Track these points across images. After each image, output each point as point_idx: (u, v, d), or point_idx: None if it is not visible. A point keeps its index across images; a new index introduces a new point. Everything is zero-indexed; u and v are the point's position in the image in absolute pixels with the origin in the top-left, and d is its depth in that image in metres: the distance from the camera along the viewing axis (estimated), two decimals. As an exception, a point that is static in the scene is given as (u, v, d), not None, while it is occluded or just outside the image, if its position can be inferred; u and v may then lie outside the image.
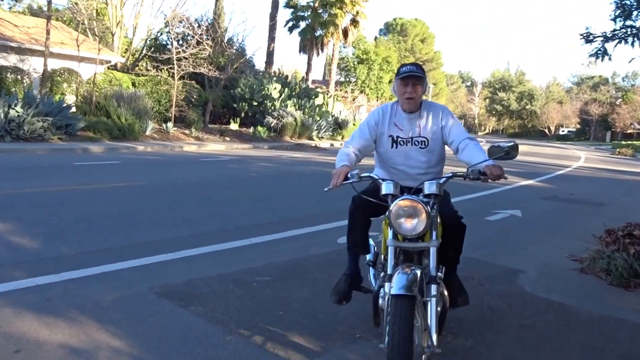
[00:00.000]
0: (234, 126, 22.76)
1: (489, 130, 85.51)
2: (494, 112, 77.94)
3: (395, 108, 3.01)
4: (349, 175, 2.66)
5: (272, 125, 22.58)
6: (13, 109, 12.99)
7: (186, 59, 19.27)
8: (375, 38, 59.06)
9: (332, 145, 23.23)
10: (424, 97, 2.98)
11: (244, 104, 23.80)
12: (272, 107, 23.49)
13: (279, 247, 4.99)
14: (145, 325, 3.03)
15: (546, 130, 68.17)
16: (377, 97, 40.41)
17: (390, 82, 41.14)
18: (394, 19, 64.61)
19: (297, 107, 24.59)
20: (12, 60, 17.30)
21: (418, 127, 2.94)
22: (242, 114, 23.82)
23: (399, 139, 2.95)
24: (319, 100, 27.43)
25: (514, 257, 5.19)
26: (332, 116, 27.41)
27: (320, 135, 24.98)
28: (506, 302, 3.88)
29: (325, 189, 2.70)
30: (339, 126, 27.40)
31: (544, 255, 5.37)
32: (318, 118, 25.18)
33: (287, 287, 3.85)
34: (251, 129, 22.26)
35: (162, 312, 3.23)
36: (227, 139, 20.16)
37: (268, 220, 6.15)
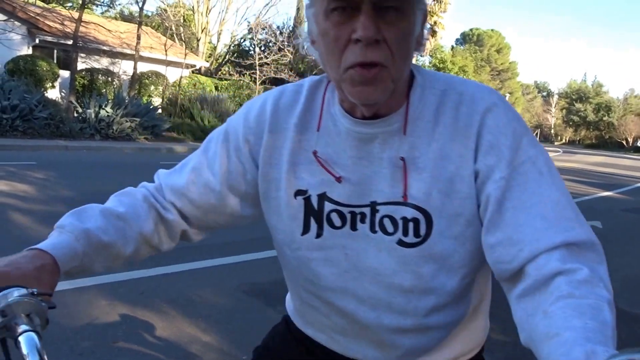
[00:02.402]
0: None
1: (566, 140, 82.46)
2: (570, 123, 75.30)
3: (317, 99, 0.93)
4: (10, 303, 0.68)
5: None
6: (103, 109, 13.63)
7: (268, 64, 19.67)
8: (452, 48, 58.36)
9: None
10: (419, 63, 1.02)
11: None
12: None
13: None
14: (234, 322, 3.02)
15: (624, 142, 65.26)
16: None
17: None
18: (471, 30, 63.95)
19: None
20: (104, 63, 18.24)
21: (400, 171, 0.85)
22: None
23: (329, 207, 0.90)
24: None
25: None
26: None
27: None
28: None
29: None
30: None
31: (626, 268, 5.05)
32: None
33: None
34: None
35: (250, 310, 3.22)
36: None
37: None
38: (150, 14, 23.38)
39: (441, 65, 38.97)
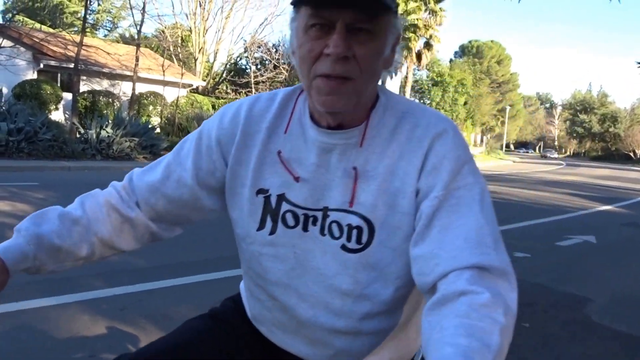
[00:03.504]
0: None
1: (570, 152, 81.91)
2: (574, 135, 74.76)
3: (289, 107, 1.04)
4: None
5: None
6: (104, 129, 14.01)
7: (263, 82, 20.05)
8: (451, 60, 58.43)
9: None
10: (385, 86, 1.08)
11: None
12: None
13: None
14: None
15: (631, 154, 64.26)
16: (452, 118, 39.81)
17: (465, 104, 40.37)
18: (470, 42, 63.82)
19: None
20: (104, 85, 18.71)
21: (351, 181, 0.96)
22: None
23: (285, 207, 1.01)
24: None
25: (582, 284, 4.99)
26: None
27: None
28: (569, 330, 3.76)
29: None
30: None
31: (615, 284, 5.13)
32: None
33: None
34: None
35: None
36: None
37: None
38: (149, 35, 23.89)
39: (439, 79, 39.20)
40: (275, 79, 20.50)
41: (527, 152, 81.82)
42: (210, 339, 1.10)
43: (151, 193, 1.08)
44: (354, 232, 0.95)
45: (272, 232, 1.01)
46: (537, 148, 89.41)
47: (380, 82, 0.99)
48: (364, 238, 0.94)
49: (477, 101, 44.29)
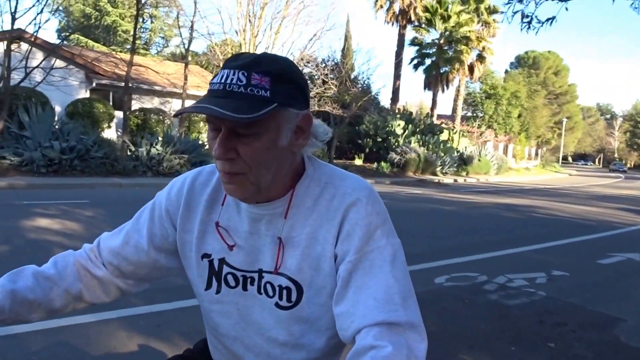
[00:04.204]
0: (358, 162, 23.20)
1: (631, 164, 78.52)
2: (635, 147, 71.70)
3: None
4: None
5: (395, 161, 22.67)
6: (154, 147, 14.42)
7: (312, 97, 20.14)
8: (506, 72, 57.33)
9: (455, 181, 22.72)
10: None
11: (368, 140, 24.21)
12: (396, 143, 23.63)
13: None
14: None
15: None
16: (506, 132, 38.85)
17: (519, 116, 39.37)
18: (526, 52, 62.59)
19: (420, 143, 24.52)
20: (155, 102, 19.29)
21: (277, 248, 1.07)
22: (367, 150, 24.22)
23: (226, 270, 1.13)
24: (443, 136, 27.19)
25: (617, 304, 4.77)
26: (457, 152, 26.91)
27: (444, 171, 24.56)
28: (595, 351, 3.61)
29: None
30: (463, 162, 26.75)
31: None
32: (442, 154, 24.86)
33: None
34: (375, 165, 22.54)
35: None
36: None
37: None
38: (200, 52, 24.52)
39: (492, 92, 38.49)
40: (325, 94, 20.59)
41: (586, 165, 78.90)
42: None
43: (114, 256, 1.18)
44: (284, 291, 1.06)
45: (217, 292, 1.13)
46: (596, 160, 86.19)
47: (308, 153, 1.09)
48: (294, 297, 1.05)
49: (532, 113, 43.07)
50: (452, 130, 29.98)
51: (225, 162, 0.96)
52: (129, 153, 14.52)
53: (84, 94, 18.10)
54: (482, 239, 8.21)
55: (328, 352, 1.10)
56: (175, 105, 19.47)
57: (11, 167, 12.11)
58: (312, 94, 20.27)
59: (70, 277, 1.15)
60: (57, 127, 13.51)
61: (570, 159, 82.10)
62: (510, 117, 38.73)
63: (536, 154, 51.75)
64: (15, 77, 13.22)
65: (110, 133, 16.76)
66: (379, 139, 24.02)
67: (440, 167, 24.35)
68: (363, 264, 0.98)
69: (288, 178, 1.05)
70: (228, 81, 0.93)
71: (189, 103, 18.55)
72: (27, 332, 3.25)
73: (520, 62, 62.11)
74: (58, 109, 15.61)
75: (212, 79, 0.97)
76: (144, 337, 3.33)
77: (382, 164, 22.28)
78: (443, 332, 3.88)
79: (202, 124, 19.17)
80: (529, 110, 41.75)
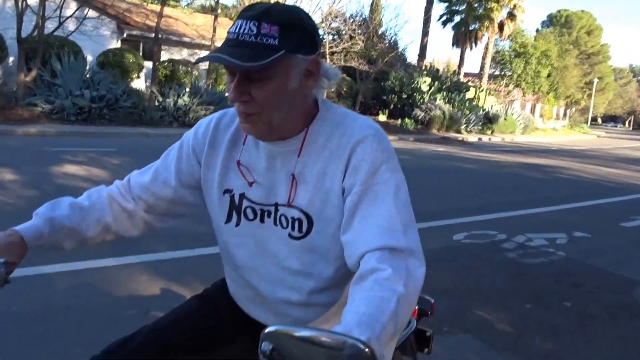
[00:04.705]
0: (382, 118, 22.99)
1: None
2: (666, 109, 69.45)
3: None
4: None
5: (419, 117, 22.44)
6: (181, 98, 14.49)
7: (338, 52, 19.88)
8: (537, 30, 55.44)
9: (479, 139, 22.44)
10: (325, 98, 1.20)
11: (393, 96, 23.92)
12: (421, 100, 23.32)
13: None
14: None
15: None
16: (534, 91, 37.87)
17: (548, 76, 38.25)
18: (558, 11, 60.33)
19: (446, 100, 24.15)
20: (184, 54, 19.25)
21: (290, 183, 1.14)
22: (391, 106, 23.96)
23: (245, 204, 1.20)
24: (469, 94, 26.66)
25: (638, 268, 4.76)
26: (483, 110, 26.43)
27: (468, 129, 24.24)
28: (611, 313, 3.63)
29: None
30: (489, 120, 26.31)
31: None
32: (467, 112, 24.46)
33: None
34: (399, 121, 22.35)
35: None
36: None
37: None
38: (229, 5, 24.23)
39: (521, 50, 37.35)
40: (351, 50, 20.26)
41: (616, 127, 76.79)
42: (199, 316, 1.32)
43: (143, 191, 1.27)
44: (297, 223, 1.14)
45: (237, 224, 1.21)
46: (626, 122, 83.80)
47: (324, 96, 1.17)
48: (304, 228, 1.13)
49: (562, 73, 41.71)
50: (479, 88, 29.33)
51: (240, 104, 1.06)
52: (156, 103, 14.62)
53: (115, 44, 18.14)
54: (504, 198, 8.18)
55: (336, 281, 1.18)
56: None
57: (42, 114, 12.34)
58: (338, 49, 19.99)
59: (102, 209, 1.25)
60: (88, 76, 13.63)
61: (599, 120, 79.86)
62: (539, 77, 37.62)
63: (564, 115, 50.47)
64: (49, 26, 13.28)
65: (139, 83, 16.85)
66: (404, 96, 23.71)
67: (465, 125, 24.01)
68: (368, 195, 1.05)
69: (301, 118, 1.13)
70: (240, 31, 1.01)
71: (215, 55, 18.46)
72: (54, 273, 3.40)
73: (552, 20, 59.98)
74: (89, 58, 15.72)
75: (229, 29, 1.04)
76: (165, 282, 3.45)
77: (407, 120, 22.07)
78: (458, 288, 3.94)
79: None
80: (559, 70, 40.43)
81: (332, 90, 20.80)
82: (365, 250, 1.00)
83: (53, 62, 13.13)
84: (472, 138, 22.38)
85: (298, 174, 1.13)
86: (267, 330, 0.72)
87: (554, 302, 3.76)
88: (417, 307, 1.77)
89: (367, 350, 0.66)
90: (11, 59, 14.53)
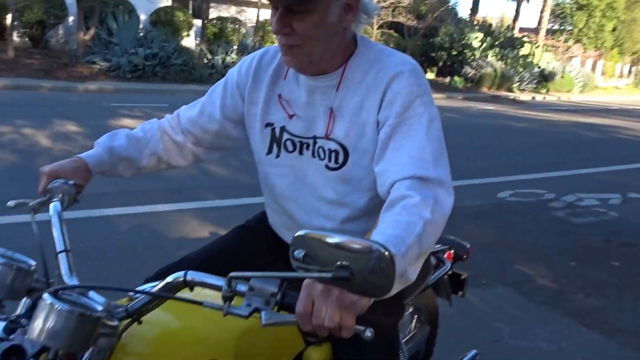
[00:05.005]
0: (430, 75, 22.47)
1: None
2: None
3: None
4: (53, 187, 1.17)
5: (469, 75, 21.78)
6: (229, 55, 14.63)
7: (385, 7, 19.40)
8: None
9: (533, 98, 21.66)
10: (364, 34, 1.25)
11: (442, 53, 23.25)
12: (472, 57, 22.59)
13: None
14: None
15: None
16: (596, 47, 35.98)
17: (613, 30, 36.17)
18: (630, -44, 56.19)
19: (498, 57, 23.28)
20: (232, 11, 19.27)
21: (328, 116, 1.20)
22: (440, 64, 23.35)
23: (285, 137, 1.26)
24: (524, 50, 25.55)
25: None
26: (538, 67, 25.36)
27: (521, 88, 23.39)
28: None
29: (10, 204, 1.14)
30: (544, 78, 25.25)
31: None
32: (521, 69, 23.56)
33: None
34: (447, 79, 21.81)
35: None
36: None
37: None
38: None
39: (584, 2, 35.40)
40: (399, 4, 19.73)
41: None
42: (239, 243, 1.43)
43: (191, 125, 1.37)
44: (333, 154, 1.19)
45: (277, 156, 1.27)
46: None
47: (360, 32, 1.21)
48: (340, 159, 1.19)
49: (629, 27, 39.30)
50: (535, 44, 28.07)
51: (282, 36, 1.11)
52: (205, 61, 14.80)
53: (166, 2, 18.31)
54: (555, 157, 7.97)
55: (369, 211, 1.24)
56: (250, 14, 19.36)
57: (101, 71, 12.78)
58: (385, 4, 19.50)
59: (154, 140, 1.37)
60: (141, 34, 13.99)
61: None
62: (603, 31, 35.63)
63: (629, 72, 47.79)
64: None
65: (189, 41, 17.05)
66: (454, 52, 22.99)
67: (518, 83, 23.15)
68: (401, 128, 1.10)
69: (340, 53, 1.17)
70: None
71: (264, 12, 18.41)
72: (117, 215, 3.72)
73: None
74: (143, 17, 16.03)
75: None
76: (214, 227, 3.65)
77: (456, 78, 21.46)
78: (500, 243, 3.96)
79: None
80: (625, 23, 38.08)
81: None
82: (396, 179, 1.04)
83: (109, 21, 13.51)
84: (525, 97, 21.65)
85: (336, 108, 1.18)
86: (297, 234, 0.75)
87: (602, 261, 3.72)
88: (452, 251, 1.84)
89: (387, 253, 0.69)
90: (71, 18, 14.92)
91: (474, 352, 1.95)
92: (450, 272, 1.83)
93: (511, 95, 21.36)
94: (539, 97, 22.03)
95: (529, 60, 25.09)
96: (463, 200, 4.93)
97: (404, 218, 0.94)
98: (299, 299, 0.76)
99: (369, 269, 0.70)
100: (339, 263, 0.70)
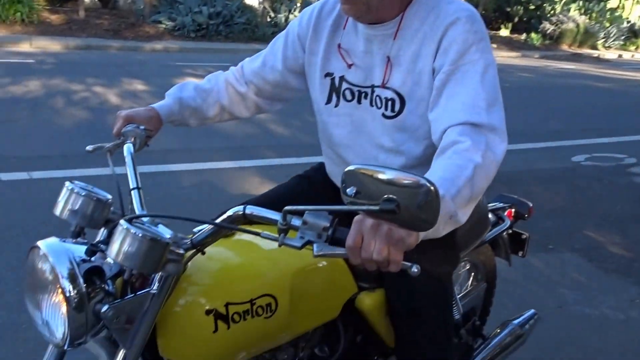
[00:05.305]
0: (504, 32, 21.40)
1: None
2: None
3: None
4: (127, 130, 1.26)
5: (548, 31, 20.58)
6: (292, 13, 14.51)
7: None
8: None
9: (620, 56, 20.20)
10: None
11: (518, 7, 22.05)
12: (552, 12, 21.31)
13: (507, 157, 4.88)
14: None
15: None
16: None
17: None
18: None
19: (582, 11, 21.81)
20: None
21: (385, 65, 1.21)
22: (516, 19, 22.18)
23: (344, 86, 1.28)
24: (611, 3, 23.78)
25: None
26: (627, 22, 23.57)
27: (607, 45, 21.84)
28: None
29: (89, 148, 1.24)
30: (634, 34, 23.46)
31: None
32: (607, 24, 21.97)
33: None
34: (523, 36, 20.72)
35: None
36: (494, 46, 19.17)
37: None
38: None
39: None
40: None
41: None
42: (297, 191, 1.48)
43: (254, 76, 1.43)
44: (390, 103, 1.20)
45: (336, 105, 1.29)
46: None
47: None
48: (397, 107, 1.20)
49: None
50: (625, -4, 26.11)
51: None
52: (268, 19, 14.75)
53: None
54: (638, 120, 7.45)
55: (425, 159, 1.21)
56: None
57: (166, 31, 13.01)
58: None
59: (220, 91, 1.44)
60: (205, -8, 14.07)
61: None
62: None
63: None
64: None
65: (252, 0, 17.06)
66: (532, 7, 21.74)
67: (603, 39, 21.60)
68: (456, 75, 1.09)
69: (398, 1, 1.17)
70: None
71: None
72: (179, 171, 3.84)
73: None
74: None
75: None
76: (274, 184, 3.57)
77: (532, 35, 20.28)
78: (570, 208, 3.79)
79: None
80: None
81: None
82: (449, 125, 1.05)
83: (174, -21, 13.65)
84: (611, 55, 20.21)
85: (393, 57, 1.18)
86: (348, 169, 0.78)
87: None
88: (513, 210, 1.76)
89: (432, 188, 0.71)
90: (137, -23, 15.26)
91: (532, 311, 1.90)
92: (510, 231, 1.79)
93: (595, 53, 19.99)
94: (626, 55, 20.51)
95: (617, 14, 23.34)
96: (534, 163, 4.76)
97: (455, 162, 0.96)
98: (349, 234, 0.78)
99: (417, 203, 0.72)
100: (386, 197, 0.73)
